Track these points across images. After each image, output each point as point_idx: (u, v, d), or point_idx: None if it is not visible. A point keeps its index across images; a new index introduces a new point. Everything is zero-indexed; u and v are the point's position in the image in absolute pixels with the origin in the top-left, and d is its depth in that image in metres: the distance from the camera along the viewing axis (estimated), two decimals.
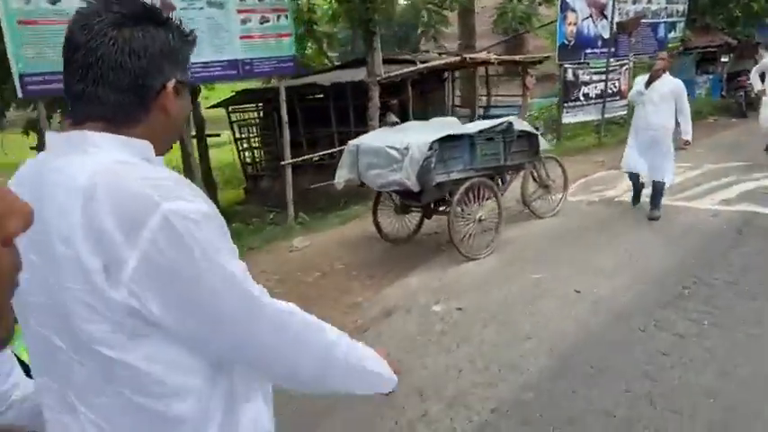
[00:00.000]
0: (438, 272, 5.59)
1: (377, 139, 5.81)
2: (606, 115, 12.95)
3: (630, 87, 14.13)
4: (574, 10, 12.12)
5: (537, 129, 6.65)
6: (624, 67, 13.57)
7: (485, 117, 13.31)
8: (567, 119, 12.49)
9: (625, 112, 13.93)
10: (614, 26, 11.83)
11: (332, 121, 11.07)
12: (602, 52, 12.92)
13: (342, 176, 5.80)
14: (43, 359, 1.08)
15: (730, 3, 15.55)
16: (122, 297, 0.94)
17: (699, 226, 6.35)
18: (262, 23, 7.13)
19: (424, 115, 12.04)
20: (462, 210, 5.65)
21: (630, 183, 7.06)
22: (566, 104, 12.30)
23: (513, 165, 6.16)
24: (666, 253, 5.63)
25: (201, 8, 6.74)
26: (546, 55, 11.96)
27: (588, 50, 12.47)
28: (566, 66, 12.11)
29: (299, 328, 1.10)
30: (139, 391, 0.99)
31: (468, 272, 5.51)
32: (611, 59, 13.25)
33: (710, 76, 15.98)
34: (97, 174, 0.95)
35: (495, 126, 5.80)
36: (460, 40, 13.60)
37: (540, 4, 12.57)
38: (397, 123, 6.46)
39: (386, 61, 11.35)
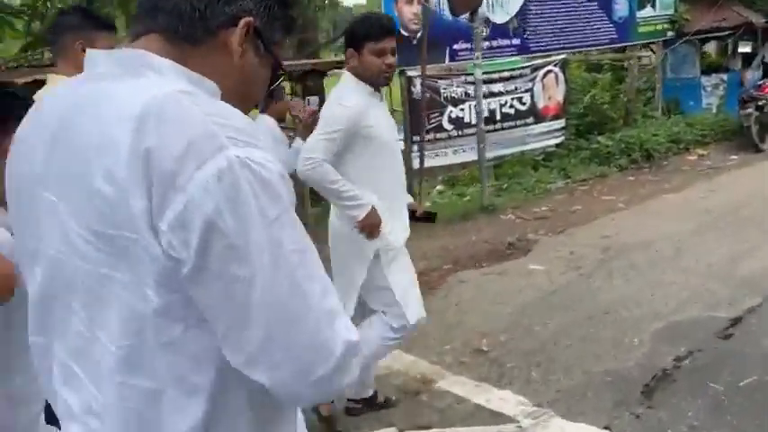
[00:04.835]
0: None
1: None
2: (499, 152, 7.89)
3: (565, 102, 8.67)
4: None
5: None
6: (544, 71, 8.38)
7: None
8: (430, 161, 7.53)
9: (558, 140, 8.73)
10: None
11: None
12: (494, 48, 7.87)
13: None
14: (41, 316, 0.91)
15: None
16: (159, 251, 0.75)
17: None
18: None
19: None
20: None
21: None
22: (414, 138, 7.38)
23: None
24: None
25: None
26: (339, 59, 6.97)
27: (465, 46, 7.47)
28: (410, 74, 7.17)
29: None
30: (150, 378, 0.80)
31: None
32: (517, 57, 8.12)
33: (725, 77, 10.19)
34: (156, 100, 0.75)
35: None
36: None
37: None
38: None
39: None
